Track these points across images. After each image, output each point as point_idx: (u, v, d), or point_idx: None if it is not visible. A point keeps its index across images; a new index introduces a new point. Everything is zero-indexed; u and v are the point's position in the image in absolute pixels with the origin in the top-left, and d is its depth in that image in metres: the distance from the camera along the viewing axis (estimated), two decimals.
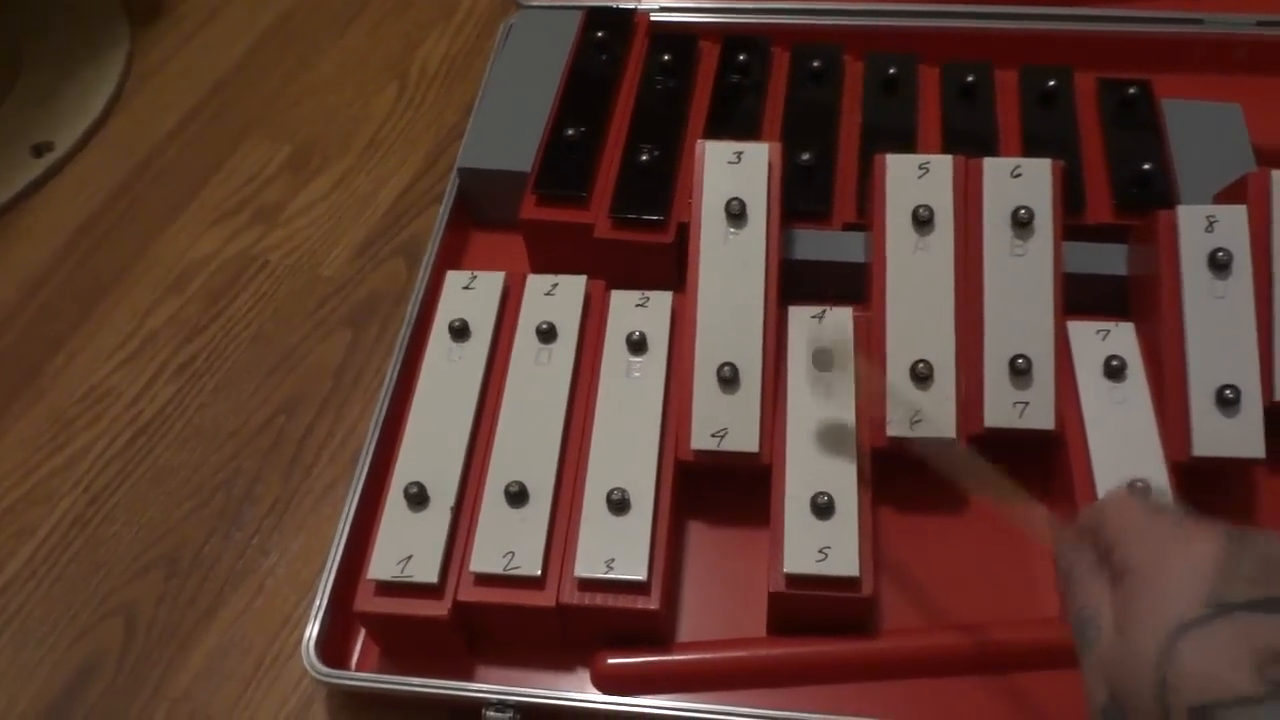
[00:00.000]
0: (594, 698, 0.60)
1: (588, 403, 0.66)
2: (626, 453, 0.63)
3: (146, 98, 0.97)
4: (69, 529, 0.71)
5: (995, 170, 0.66)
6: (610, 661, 0.61)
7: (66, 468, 0.74)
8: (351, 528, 0.64)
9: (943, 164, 0.67)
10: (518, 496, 0.61)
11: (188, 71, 0.99)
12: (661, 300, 0.69)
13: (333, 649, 0.62)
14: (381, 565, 0.59)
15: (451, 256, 0.80)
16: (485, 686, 0.59)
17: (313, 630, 0.61)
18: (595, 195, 0.75)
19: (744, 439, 0.63)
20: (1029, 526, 0.51)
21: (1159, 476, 0.60)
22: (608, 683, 0.61)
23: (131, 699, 0.64)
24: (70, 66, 0.97)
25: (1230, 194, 0.68)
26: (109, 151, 0.93)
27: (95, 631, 0.67)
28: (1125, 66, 0.82)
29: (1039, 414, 0.63)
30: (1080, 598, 0.43)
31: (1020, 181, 0.66)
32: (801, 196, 0.73)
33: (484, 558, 0.59)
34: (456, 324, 0.68)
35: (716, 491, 0.67)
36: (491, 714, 0.58)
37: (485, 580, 0.60)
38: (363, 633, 0.65)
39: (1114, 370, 0.64)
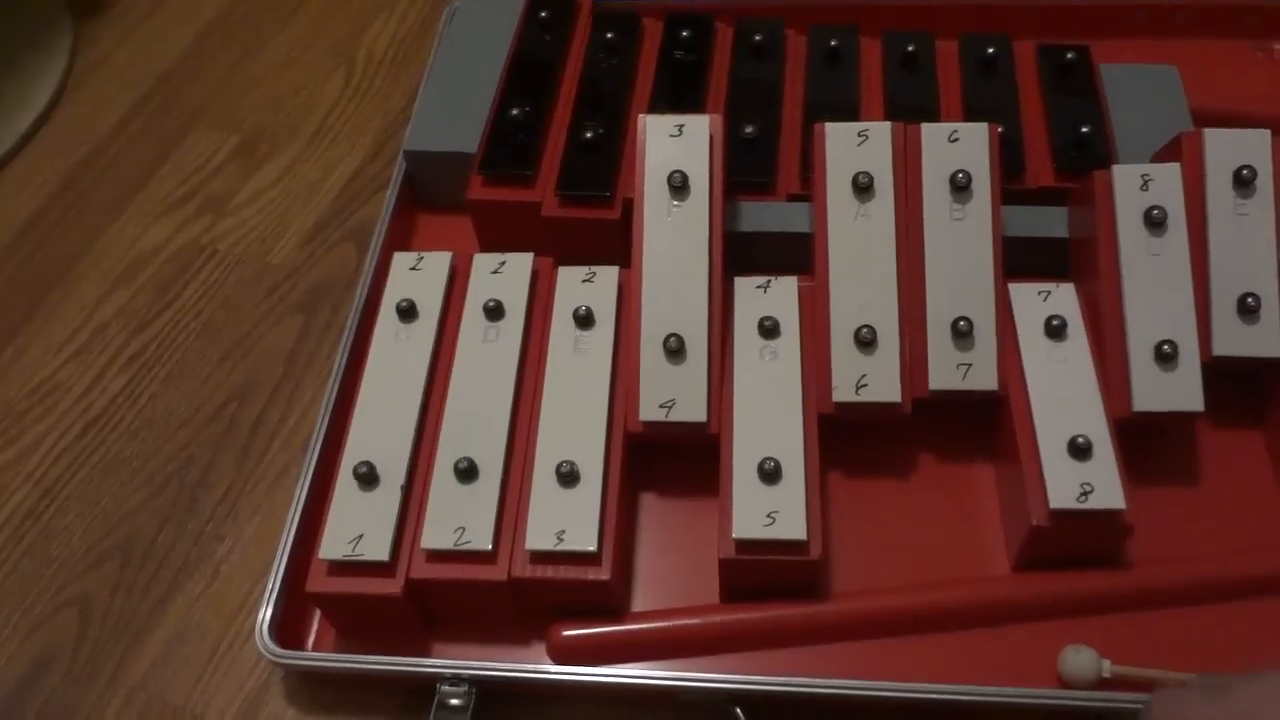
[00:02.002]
0: (546, 668, 0.60)
1: (536, 378, 0.66)
2: (575, 426, 0.63)
3: (91, 91, 0.96)
4: (21, 522, 0.71)
5: (933, 135, 0.67)
6: (565, 633, 0.61)
7: (17, 461, 0.74)
8: (304, 510, 0.64)
9: (881, 131, 0.67)
10: (467, 473, 0.61)
11: (132, 64, 0.98)
12: (608, 275, 0.69)
13: (289, 631, 0.63)
14: (332, 545, 0.60)
15: (401, 240, 0.80)
16: (439, 661, 0.59)
17: (266, 613, 0.61)
18: (541, 174, 0.75)
19: (691, 409, 0.63)
20: None
21: (1101, 433, 0.61)
22: (563, 654, 0.61)
23: (88, 689, 0.64)
24: (12, 62, 0.96)
25: (1166, 154, 0.69)
26: (54, 146, 0.92)
27: (50, 623, 0.66)
28: (1064, 33, 0.83)
29: (982, 375, 0.64)
30: None
31: (958, 146, 0.67)
32: (746, 169, 0.74)
33: (435, 534, 0.60)
34: (403, 304, 0.68)
35: (668, 464, 0.68)
36: (446, 688, 0.58)
37: (437, 557, 0.60)
38: (319, 614, 0.65)
39: (1055, 330, 0.65)
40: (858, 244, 0.66)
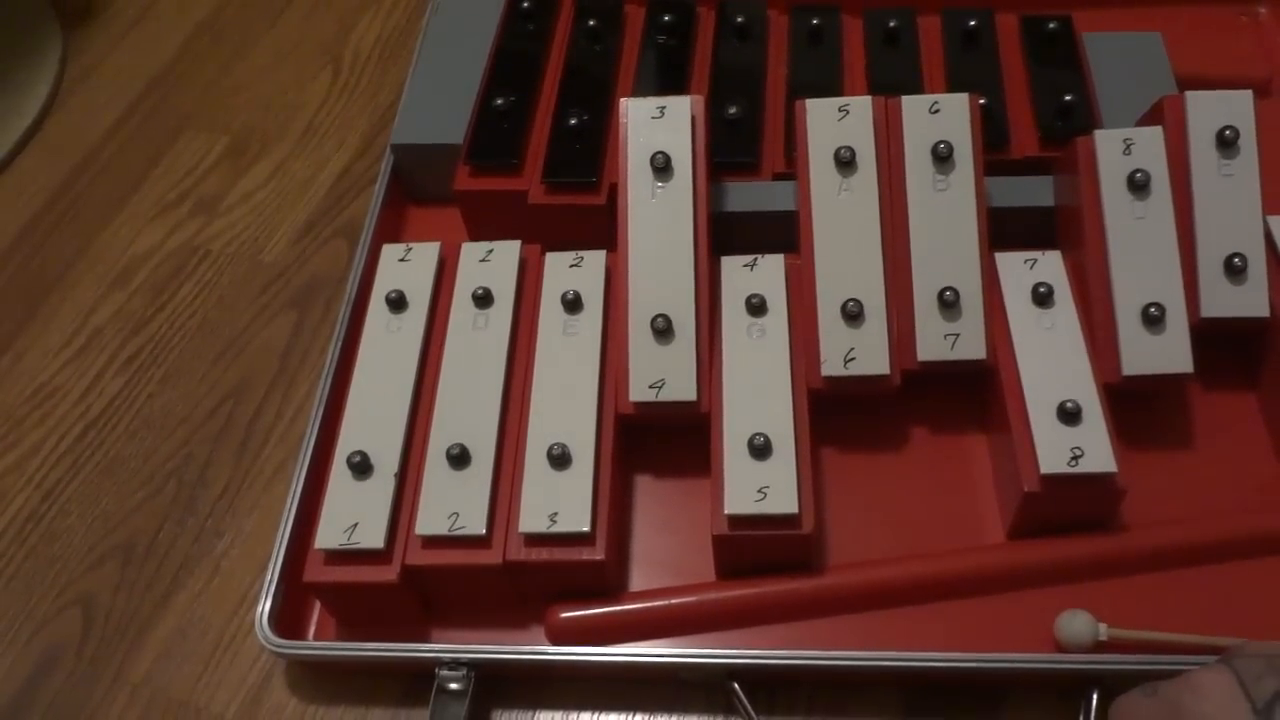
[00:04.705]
0: (545, 649, 0.60)
1: (527, 364, 0.66)
2: (566, 409, 0.63)
3: (82, 98, 0.97)
4: (23, 525, 0.71)
5: (913, 107, 0.67)
6: (563, 615, 0.62)
7: (18, 466, 0.74)
8: (300, 503, 0.65)
9: (862, 105, 0.68)
10: (459, 459, 0.61)
11: (122, 69, 0.99)
12: (595, 259, 0.70)
13: (290, 623, 0.63)
14: (328, 534, 0.60)
15: (391, 234, 0.80)
16: (437, 646, 0.60)
17: (265, 605, 0.61)
18: (528, 162, 0.75)
19: (681, 389, 0.63)
20: None
21: (1090, 398, 0.61)
22: (561, 636, 0.62)
23: (93, 686, 0.64)
24: (3, 72, 0.97)
25: (1148, 119, 0.69)
26: (47, 153, 0.93)
27: (54, 623, 0.67)
28: (1047, 3, 0.82)
29: (970, 345, 0.64)
30: None
31: (939, 117, 0.67)
32: (731, 149, 0.74)
33: (429, 520, 0.60)
34: (393, 295, 0.68)
35: (660, 444, 0.68)
36: (445, 673, 0.59)
37: (432, 543, 0.60)
38: (319, 605, 0.65)
39: (1042, 297, 0.65)
40: (842, 218, 0.66)
